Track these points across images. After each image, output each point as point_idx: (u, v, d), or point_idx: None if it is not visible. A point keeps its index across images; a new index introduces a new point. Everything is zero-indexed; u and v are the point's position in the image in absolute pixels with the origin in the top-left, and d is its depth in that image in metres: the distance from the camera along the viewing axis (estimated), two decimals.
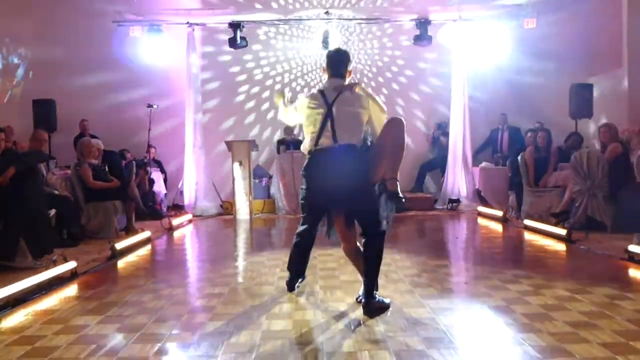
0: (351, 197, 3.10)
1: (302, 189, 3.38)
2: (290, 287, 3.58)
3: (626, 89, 8.63)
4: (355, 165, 3.12)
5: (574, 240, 5.27)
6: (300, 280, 3.64)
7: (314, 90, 3.44)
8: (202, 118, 8.99)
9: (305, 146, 3.35)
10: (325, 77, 3.44)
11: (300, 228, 3.51)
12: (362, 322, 2.90)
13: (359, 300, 3.22)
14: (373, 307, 3.04)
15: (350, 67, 3.44)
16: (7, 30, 9.04)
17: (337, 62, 3.41)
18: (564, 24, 8.74)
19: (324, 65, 3.44)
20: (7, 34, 9.07)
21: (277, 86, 9.89)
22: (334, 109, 3.23)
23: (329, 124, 3.21)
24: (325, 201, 3.24)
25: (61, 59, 8.90)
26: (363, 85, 3.73)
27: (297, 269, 3.60)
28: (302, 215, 3.53)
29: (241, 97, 9.89)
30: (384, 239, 3.14)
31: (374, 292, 3.11)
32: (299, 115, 3.43)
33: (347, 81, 3.40)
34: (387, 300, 3.19)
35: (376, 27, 9.75)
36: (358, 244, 3.28)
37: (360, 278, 3.28)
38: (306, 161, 3.32)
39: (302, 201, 3.39)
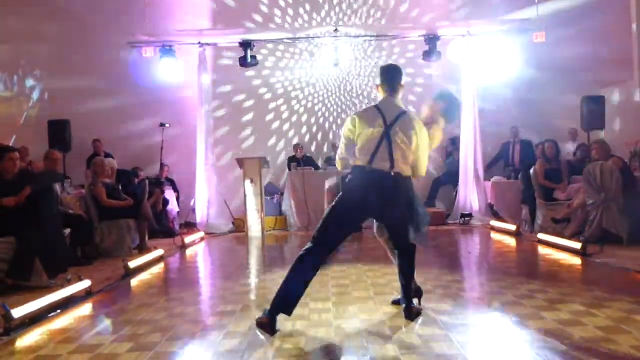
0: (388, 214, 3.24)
1: (334, 202, 3.16)
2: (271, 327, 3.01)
3: (637, 100, 8.59)
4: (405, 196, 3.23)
5: (589, 253, 5.20)
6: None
7: (367, 106, 3.42)
8: (214, 136, 9.08)
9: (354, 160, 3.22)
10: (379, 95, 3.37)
11: (309, 248, 3.07)
12: (375, 340, 2.88)
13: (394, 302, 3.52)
14: (412, 312, 3.22)
15: (402, 82, 3.36)
16: (23, 53, 9.25)
17: (393, 76, 3.34)
18: (573, 36, 8.73)
19: (378, 82, 3.36)
20: (23, 56, 9.28)
21: (293, 102, 10.01)
22: (391, 132, 3.15)
23: (385, 145, 3.12)
24: (358, 216, 3.27)
25: (75, 79, 9.06)
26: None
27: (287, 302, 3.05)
28: (317, 232, 3.11)
29: (251, 115, 10.00)
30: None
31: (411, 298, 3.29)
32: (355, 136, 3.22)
33: (400, 95, 3.34)
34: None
35: (385, 43, 9.82)
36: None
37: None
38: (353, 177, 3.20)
39: (329, 214, 3.11)
